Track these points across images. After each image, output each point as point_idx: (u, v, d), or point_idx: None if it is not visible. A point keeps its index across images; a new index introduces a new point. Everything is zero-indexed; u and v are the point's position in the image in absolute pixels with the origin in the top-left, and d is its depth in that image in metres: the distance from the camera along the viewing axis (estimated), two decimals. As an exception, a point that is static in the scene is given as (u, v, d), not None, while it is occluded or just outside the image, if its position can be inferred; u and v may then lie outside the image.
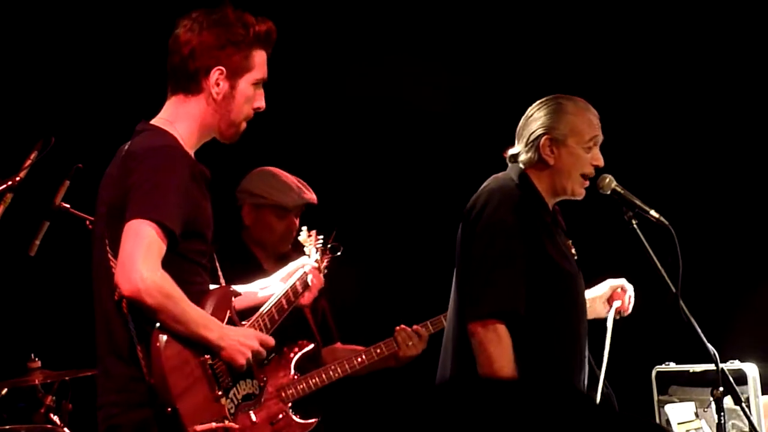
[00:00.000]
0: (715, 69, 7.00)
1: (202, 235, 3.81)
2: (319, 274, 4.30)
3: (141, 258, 3.59)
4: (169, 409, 3.65)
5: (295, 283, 4.18)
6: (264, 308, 4.03)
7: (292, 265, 4.28)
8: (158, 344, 3.66)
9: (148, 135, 3.84)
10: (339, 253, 4.59)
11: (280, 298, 4.09)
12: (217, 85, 3.86)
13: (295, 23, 6.58)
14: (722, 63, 6.99)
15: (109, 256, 3.75)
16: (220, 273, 3.99)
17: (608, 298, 4.77)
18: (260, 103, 3.94)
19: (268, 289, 4.17)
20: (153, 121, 3.92)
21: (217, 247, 5.35)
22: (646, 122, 7.06)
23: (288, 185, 5.49)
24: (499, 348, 4.25)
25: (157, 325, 3.66)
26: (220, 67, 3.86)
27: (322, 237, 4.45)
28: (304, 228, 4.51)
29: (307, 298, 4.25)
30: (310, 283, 4.26)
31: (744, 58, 6.97)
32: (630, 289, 4.76)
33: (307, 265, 4.28)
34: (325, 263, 4.55)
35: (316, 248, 4.39)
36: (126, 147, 3.89)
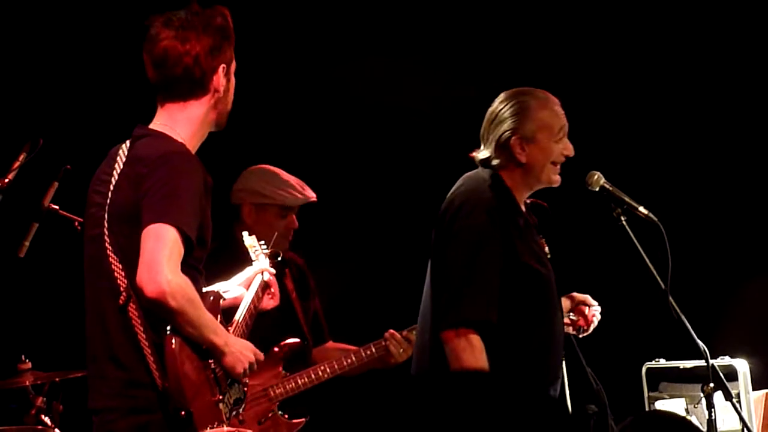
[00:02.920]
0: (701, 65, 7.01)
1: (205, 242, 3.82)
2: (275, 281, 4.30)
3: (165, 260, 3.59)
4: (183, 413, 3.65)
5: (257, 289, 4.18)
6: (239, 315, 4.04)
7: (249, 270, 4.27)
8: (173, 347, 3.66)
9: (157, 140, 3.83)
10: (279, 258, 4.58)
11: (249, 305, 4.10)
12: (222, 82, 3.92)
13: (274, 21, 6.59)
14: (707, 59, 7.00)
15: (111, 259, 3.75)
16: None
17: (572, 311, 4.75)
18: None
19: (230, 293, 4.16)
20: (153, 126, 3.91)
21: (215, 245, 5.35)
22: (635, 119, 7.07)
23: (290, 184, 5.49)
24: (471, 356, 4.21)
25: (168, 329, 3.66)
26: (224, 65, 3.92)
27: (263, 242, 4.44)
28: (245, 233, 4.50)
29: (271, 304, 4.24)
30: (273, 289, 4.25)
31: (728, 55, 6.98)
32: (595, 306, 4.70)
33: (265, 271, 4.28)
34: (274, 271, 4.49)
35: (264, 254, 4.38)
36: (126, 150, 3.87)
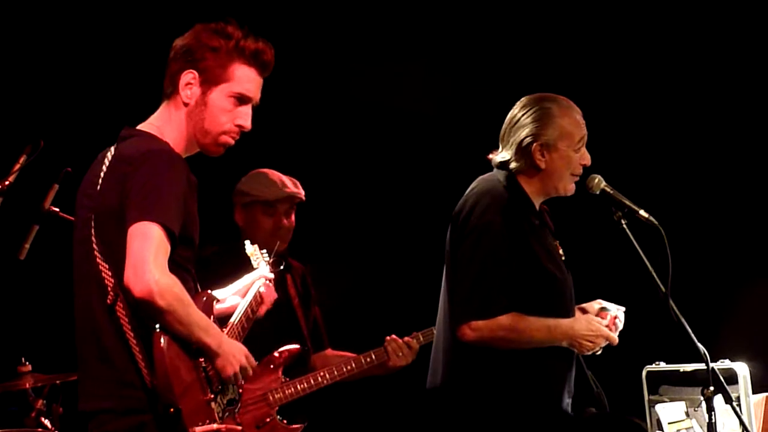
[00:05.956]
0: (702, 68, 7.01)
1: (191, 240, 3.81)
2: (271, 287, 4.30)
3: (152, 259, 3.59)
4: (172, 410, 3.65)
5: (255, 295, 4.19)
6: (234, 318, 4.04)
7: (248, 277, 4.28)
8: (161, 345, 3.65)
9: (141, 140, 3.84)
10: (281, 267, 4.61)
11: (246, 309, 4.10)
12: (189, 88, 3.87)
13: (282, 28, 6.59)
14: (708, 62, 7.00)
15: (98, 260, 3.75)
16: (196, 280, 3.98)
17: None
18: (242, 121, 3.91)
19: (225, 302, 4.16)
20: (140, 126, 3.92)
21: (216, 249, 5.35)
22: (635, 122, 7.07)
23: (272, 180, 5.50)
24: (508, 330, 4.28)
25: (157, 326, 3.65)
26: (192, 71, 3.86)
27: (264, 251, 4.46)
28: (247, 242, 4.52)
29: (261, 311, 4.25)
30: (261, 296, 4.25)
31: (728, 57, 6.98)
32: (618, 313, 4.65)
33: (262, 278, 4.29)
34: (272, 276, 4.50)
35: (266, 262, 4.40)
36: (111, 152, 3.88)
